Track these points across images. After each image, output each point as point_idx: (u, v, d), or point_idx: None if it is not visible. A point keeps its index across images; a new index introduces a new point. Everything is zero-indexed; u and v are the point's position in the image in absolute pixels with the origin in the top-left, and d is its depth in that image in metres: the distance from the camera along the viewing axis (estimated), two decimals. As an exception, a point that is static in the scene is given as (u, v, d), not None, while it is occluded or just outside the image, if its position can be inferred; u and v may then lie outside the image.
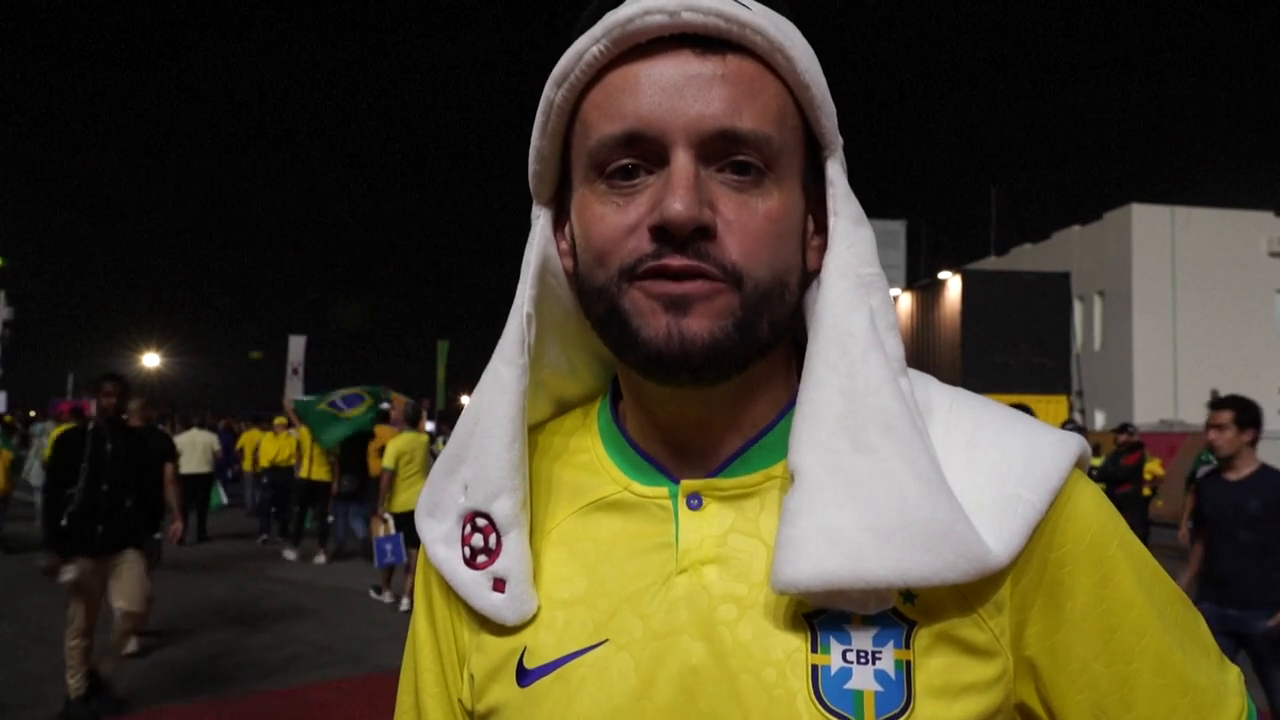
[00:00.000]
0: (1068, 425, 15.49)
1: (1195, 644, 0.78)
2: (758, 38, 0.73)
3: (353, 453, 11.63)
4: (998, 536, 0.71)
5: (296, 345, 35.35)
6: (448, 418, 26.11)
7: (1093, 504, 0.77)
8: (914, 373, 0.80)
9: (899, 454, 0.72)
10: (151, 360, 52.34)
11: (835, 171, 0.80)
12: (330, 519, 12.33)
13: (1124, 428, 13.02)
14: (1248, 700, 0.79)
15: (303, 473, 12.27)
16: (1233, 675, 0.80)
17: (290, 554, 12.45)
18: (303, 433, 12.37)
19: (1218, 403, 5.20)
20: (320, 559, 12.05)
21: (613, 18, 0.73)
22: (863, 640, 0.71)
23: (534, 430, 0.89)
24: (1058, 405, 19.79)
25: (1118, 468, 11.81)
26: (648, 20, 0.72)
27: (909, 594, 0.72)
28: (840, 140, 0.80)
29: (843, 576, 0.68)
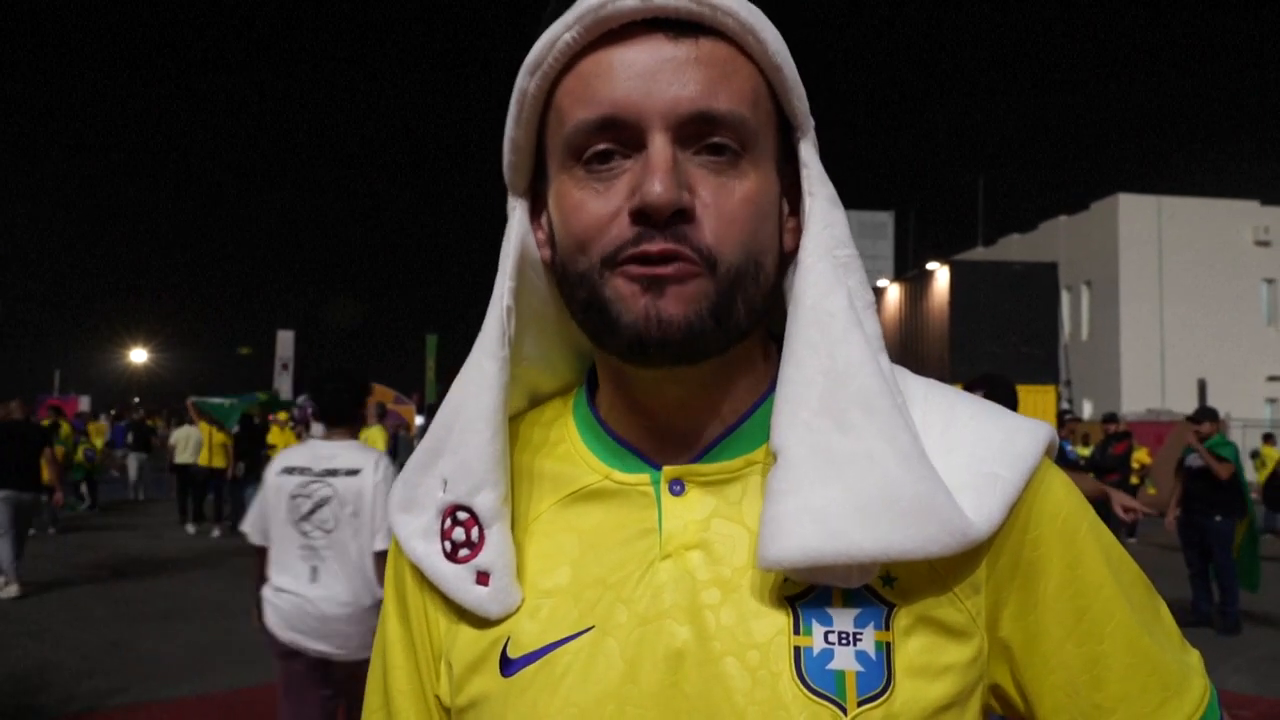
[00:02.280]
0: (1065, 415, 15.55)
1: (1160, 626, 0.79)
2: (729, 20, 0.73)
3: (247, 442, 14.04)
4: (977, 511, 0.72)
5: (285, 340, 35.24)
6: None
7: (1063, 488, 0.79)
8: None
9: (880, 432, 0.73)
10: (139, 356, 52.12)
11: (809, 153, 0.80)
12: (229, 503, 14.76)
13: (1110, 418, 13.09)
14: (1209, 682, 0.81)
15: (202, 460, 14.55)
16: (1194, 657, 0.81)
17: (190, 528, 14.57)
18: (203, 427, 14.71)
19: (970, 384, 4.83)
20: (216, 532, 14.11)
21: (585, 4, 0.73)
22: (844, 622, 0.72)
23: (511, 422, 0.88)
24: (1046, 395, 19.87)
25: (1105, 457, 11.86)
26: (620, 5, 0.72)
27: (888, 577, 0.73)
28: (812, 121, 0.80)
29: (827, 552, 0.69)
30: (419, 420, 21.16)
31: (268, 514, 3.82)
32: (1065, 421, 14.22)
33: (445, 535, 0.83)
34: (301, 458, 3.86)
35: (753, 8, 0.75)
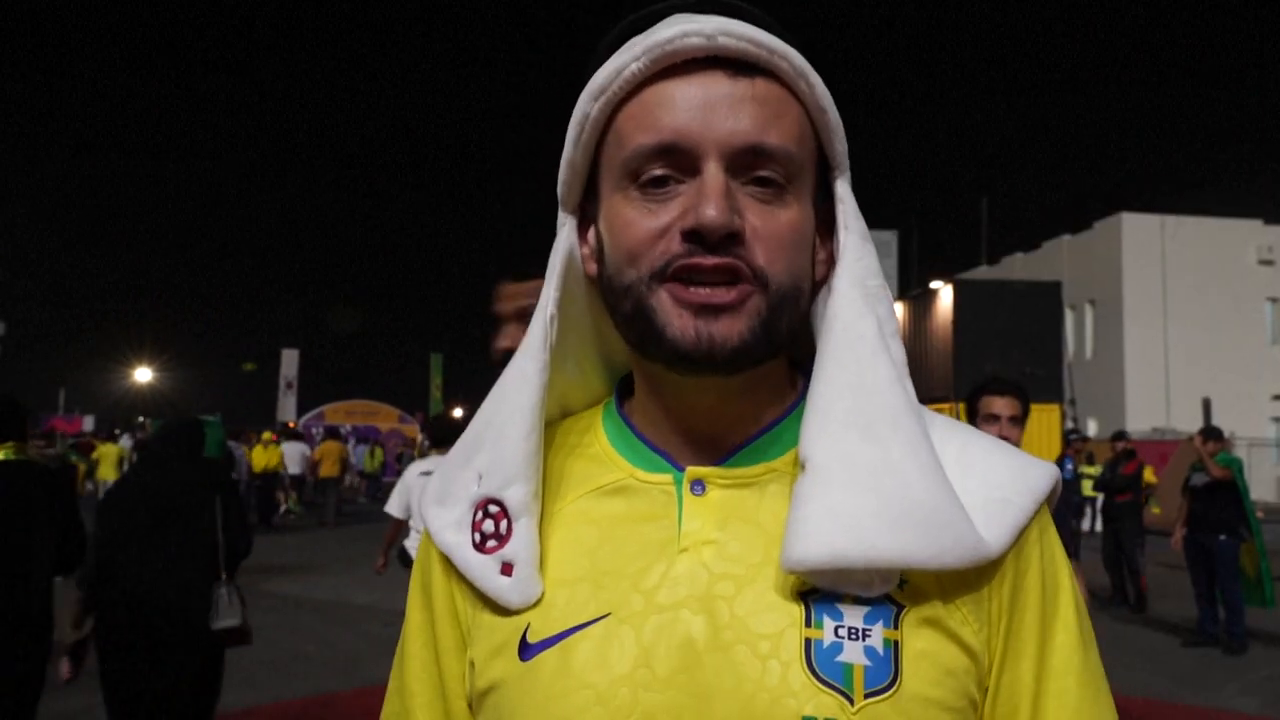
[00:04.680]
0: (1071, 434, 15.48)
1: (1101, 672, 0.84)
2: (784, 64, 0.79)
3: None
4: (988, 531, 0.77)
5: (289, 359, 35.31)
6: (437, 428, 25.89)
7: (1054, 530, 0.85)
8: None
9: (904, 446, 0.77)
10: (144, 375, 52.25)
11: (845, 190, 0.86)
12: None
13: (1119, 435, 12.96)
14: None
15: None
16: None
17: None
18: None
19: (1003, 388, 3.94)
20: None
21: (652, 38, 0.78)
22: (854, 618, 0.75)
23: (546, 428, 0.91)
24: (1050, 414, 19.86)
25: (1116, 477, 11.72)
26: (686, 42, 0.78)
27: (901, 580, 0.76)
28: (848, 162, 0.86)
29: (851, 555, 0.73)
30: (422, 440, 21.39)
31: (409, 498, 5.95)
32: (1071, 441, 14.17)
33: (475, 527, 0.87)
34: (432, 465, 5.98)
35: (800, 55, 0.81)
